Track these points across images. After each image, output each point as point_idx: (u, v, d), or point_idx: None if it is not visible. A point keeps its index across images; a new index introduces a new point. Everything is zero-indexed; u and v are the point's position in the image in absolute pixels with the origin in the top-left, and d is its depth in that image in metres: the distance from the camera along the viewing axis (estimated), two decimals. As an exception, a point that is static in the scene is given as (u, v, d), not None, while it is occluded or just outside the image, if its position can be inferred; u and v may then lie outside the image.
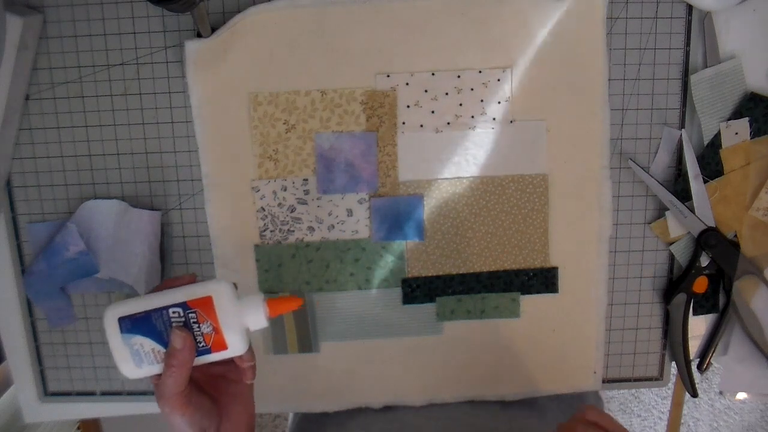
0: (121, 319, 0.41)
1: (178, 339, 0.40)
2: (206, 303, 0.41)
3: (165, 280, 0.45)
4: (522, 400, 0.62)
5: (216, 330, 0.41)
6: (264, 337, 0.61)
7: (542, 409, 0.63)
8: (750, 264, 0.58)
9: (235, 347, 0.42)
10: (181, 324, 0.41)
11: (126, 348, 0.41)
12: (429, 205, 0.58)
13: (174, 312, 0.41)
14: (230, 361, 0.44)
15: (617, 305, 0.61)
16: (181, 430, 0.42)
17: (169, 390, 0.40)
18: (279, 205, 0.58)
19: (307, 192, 0.58)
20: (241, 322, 0.42)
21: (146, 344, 0.41)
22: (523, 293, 0.60)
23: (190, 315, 0.41)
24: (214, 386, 0.46)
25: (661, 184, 0.57)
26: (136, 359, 0.42)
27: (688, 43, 0.56)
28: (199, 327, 0.41)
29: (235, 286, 0.43)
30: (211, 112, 0.56)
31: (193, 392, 0.42)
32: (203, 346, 0.42)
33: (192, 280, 0.44)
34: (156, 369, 0.42)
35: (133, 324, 0.41)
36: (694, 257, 0.58)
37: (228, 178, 0.57)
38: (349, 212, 0.58)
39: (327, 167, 0.57)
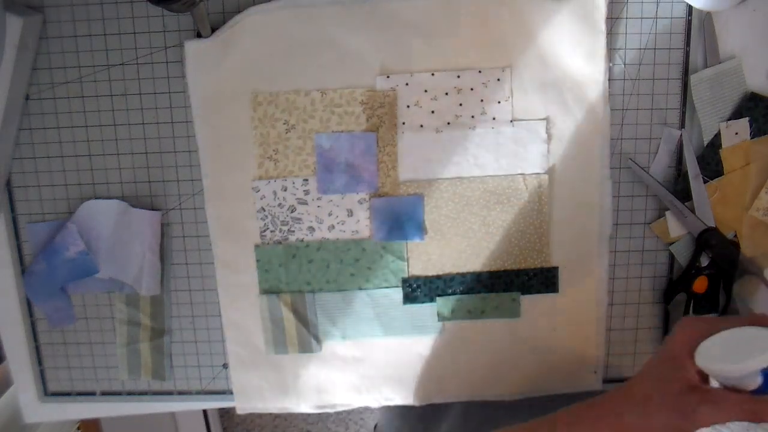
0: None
1: None
2: None
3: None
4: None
5: None
6: (264, 337, 0.61)
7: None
8: (750, 264, 0.58)
9: None
10: None
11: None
12: (429, 205, 0.58)
13: None
14: None
15: (617, 305, 0.61)
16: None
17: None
18: (279, 205, 0.58)
19: (307, 192, 0.58)
20: None
21: None
22: (524, 293, 0.60)
23: None
24: None
25: (661, 184, 0.57)
26: None
27: (688, 43, 0.56)
28: None
29: None
30: (211, 112, 0.56)
31: None
32: None
33: None
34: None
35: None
36: (694, 257, 0.58)
37: (228, 178, 0.57)
38: (350, 212, 0.58)
39: (327, 167, 0.57)
